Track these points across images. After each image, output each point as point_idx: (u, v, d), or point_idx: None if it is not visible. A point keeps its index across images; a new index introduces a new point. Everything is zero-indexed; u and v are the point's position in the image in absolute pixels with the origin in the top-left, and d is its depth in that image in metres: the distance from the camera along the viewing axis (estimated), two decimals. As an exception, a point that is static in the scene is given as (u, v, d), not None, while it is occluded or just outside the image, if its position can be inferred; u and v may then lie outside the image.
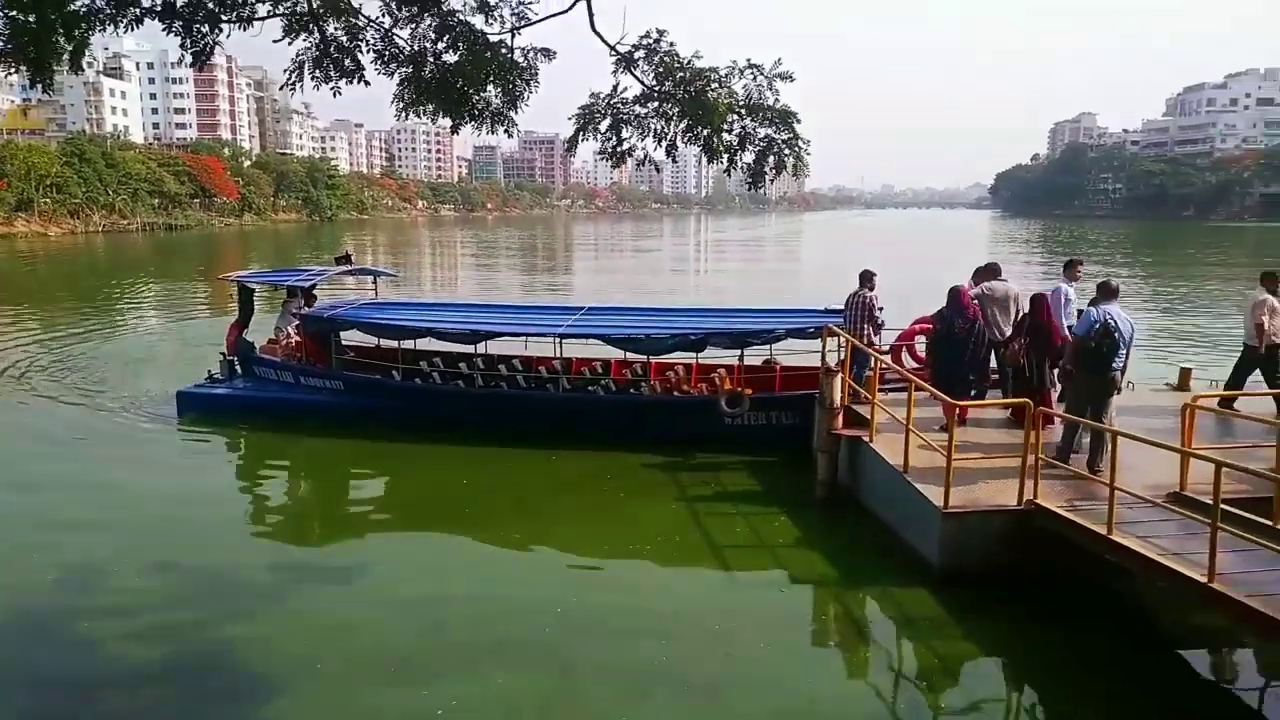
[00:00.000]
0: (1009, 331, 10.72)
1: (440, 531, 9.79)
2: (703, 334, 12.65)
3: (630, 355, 13.72)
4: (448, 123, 7.30)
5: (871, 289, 11.70)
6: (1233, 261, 53.61)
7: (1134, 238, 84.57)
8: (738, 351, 12.90)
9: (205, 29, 5.99)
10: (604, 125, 6.86)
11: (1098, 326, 8.79)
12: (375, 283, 17.29)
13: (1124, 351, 8.85)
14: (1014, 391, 10.19)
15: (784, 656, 7.09)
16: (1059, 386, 10.09)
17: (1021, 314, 10.60)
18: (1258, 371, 10.99)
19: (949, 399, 9.00)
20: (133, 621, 7.49)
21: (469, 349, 14.08)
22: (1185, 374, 12.74)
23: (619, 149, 6.93)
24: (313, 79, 6.95)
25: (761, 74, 7.64)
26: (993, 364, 10.98)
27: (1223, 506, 6.33)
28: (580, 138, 6.78)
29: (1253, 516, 7.24)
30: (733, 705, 6.43)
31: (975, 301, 10.79)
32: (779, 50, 7.48)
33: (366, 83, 7.02)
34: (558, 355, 13.50)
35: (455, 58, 6.81)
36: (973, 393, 10.47)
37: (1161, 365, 16.62)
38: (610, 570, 8.81)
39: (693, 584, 8.47)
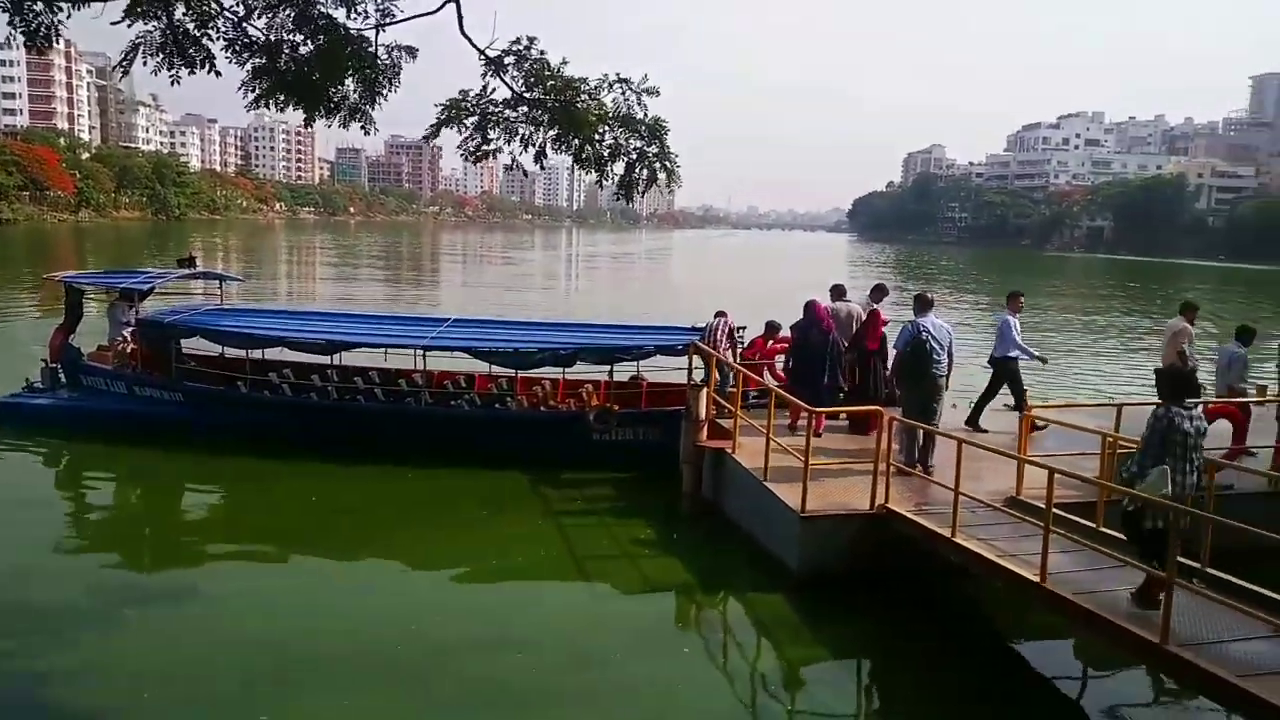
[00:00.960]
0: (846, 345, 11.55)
1: (286, 553, 9.25)
2: (573, 349, 12.55)
3: (496, 369, 13.47)
4: (301, 115, 6.99)
5: (725, 316, 12.19)
6: (1066, 291, 58.04)
7: (979, 264, 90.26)
8: (606, 366, 12.89)
9: (39, 6, 5.51)
10: (470, 121, 6.74)
11: (915, 338, 9.41)
12: (222, 287, 16.32)
13: (943, 357, 9.47)
14: (848, 400, 11.14)
15: (645, 665, 7.08)
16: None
17: (857, 329, 11.36)
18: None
19: (805, 405, 9.35)
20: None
21: (324, 360, 13.45)
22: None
23: (484, 148, 6.81)
24: (155, 65, 6.52)
25: (630, 88, 7.73)
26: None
27: (1054, 511, 6.77)
28: (443, 129, 6.64)
29: (1080, 520, 7.80)
30: (591, 714, 6.37)
31: (830, 314, 11.35)
32: (643, 68, 7.57)
33: (217, 73, 6.64)
34: (420, 368, 13.08)
35: (312, 49, 6.54)
36: (840, 396, 11.18)
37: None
38: (471, 587, 8.59)
39: (556, 598, 8.38)
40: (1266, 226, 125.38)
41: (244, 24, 6.73)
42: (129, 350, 13.54)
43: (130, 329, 13.55)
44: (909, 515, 8.13)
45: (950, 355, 9.72)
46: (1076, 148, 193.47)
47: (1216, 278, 79.51)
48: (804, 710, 6.75)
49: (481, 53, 6.93)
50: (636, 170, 7.43)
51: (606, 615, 7.96)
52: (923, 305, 9.98)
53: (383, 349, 13.28)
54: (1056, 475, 6.92)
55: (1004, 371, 11.72)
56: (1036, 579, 6.59)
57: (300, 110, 6.58)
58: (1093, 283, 65.13)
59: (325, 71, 6.30)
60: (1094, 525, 7.82)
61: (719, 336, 11.86)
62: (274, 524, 10.03)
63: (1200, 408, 6.41)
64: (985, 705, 6.72)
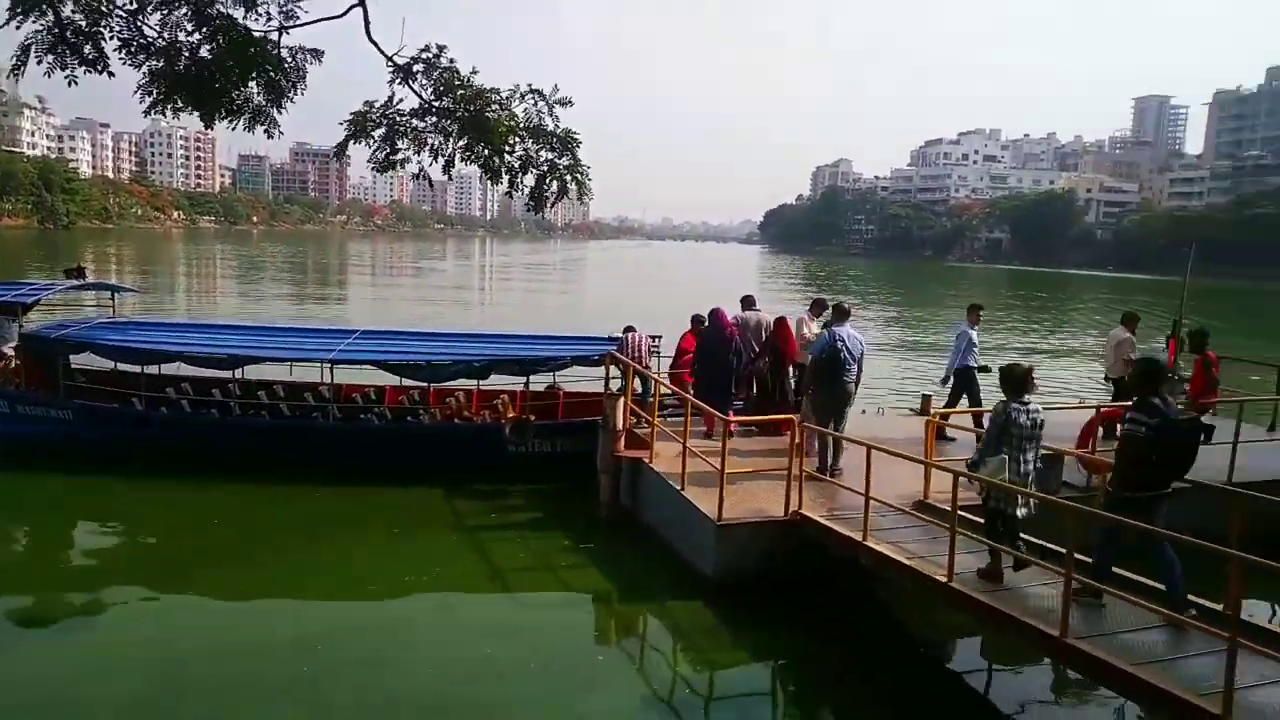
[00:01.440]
0: (757, 351, 11.90)
1: (186, 577, 8.73)
2: (487, 360, 12.40)
3: (407, 381, 13.19)
4: (200, 121, 6.77)
5: (634, 330, 12.37)
6: (961, 298, 60.25)
7: (886, 275, 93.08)
8: (522, 378, 12.77)
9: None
10: (378, 133, 6.61)
11: (831, 346, 9.78)
12: (114, 299, 15.58)
13: (854, 366, 9.87)
14: (757, 405, 11.50)
15: (561, 676, 7.01)
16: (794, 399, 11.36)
17: (767, 337, 11.67)
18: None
19: (718, 414, 9.49)
20: None
21: (225, 375, 12.92)
22: (926, 400, 14.25)
23: (392, 158, 6.70)
24: (48, 65, 6.22)
25: (543, 99, 7.71)
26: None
27: (959, 513, 7.00)
28: (351, 143, 6.49)
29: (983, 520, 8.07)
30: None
31: (734, 323, 11.59)
32: (561, 80, 7.57)
33: (110, 73, 6.36)
34: (327, 382, 12.69)
35: (212, 50, 6.33)
36: (739, 405, 11.52)
37: (909, 397, 18.28)
38: (381, 605, 8.32)
39: (471, 612, 8.23)
40: (1148, 239, 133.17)
41: (138, 22, 6.48)
42: (12, 367, 12.79)
43: (13, 344, 12.80)
44: (822, 521, 8.29)
45: (860, 364, 10.08)
46: (975, 163, 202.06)
47: (1108, 287, 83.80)
48: (722, 716, 6.78)
49: (389, 59, 6.82)
50: (547, 182, 7.41)
51: (522, 627, 7.85)
52: (840, 315, 10.32)
53: (287, 363, 12.85)
54: (960, 478, 7.17)
55: (963, 382, 12.24)
56: (944, 579, 6.79)
57: (199, 115, 6.36)
58: (999, 293, 67.81)
59: (227, 73, 6.09)
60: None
61: (640, 347, 11.95)
62: (173, 547, 9.53)
63: (1035, 403, 6.98)
64: (899, 705, 6.89)
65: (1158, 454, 6.11)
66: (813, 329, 12.13)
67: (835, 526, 8.14)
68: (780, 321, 11.78)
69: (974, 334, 12.39)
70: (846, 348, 9.81)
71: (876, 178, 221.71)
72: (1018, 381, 6.93)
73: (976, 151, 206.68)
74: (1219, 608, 5.96)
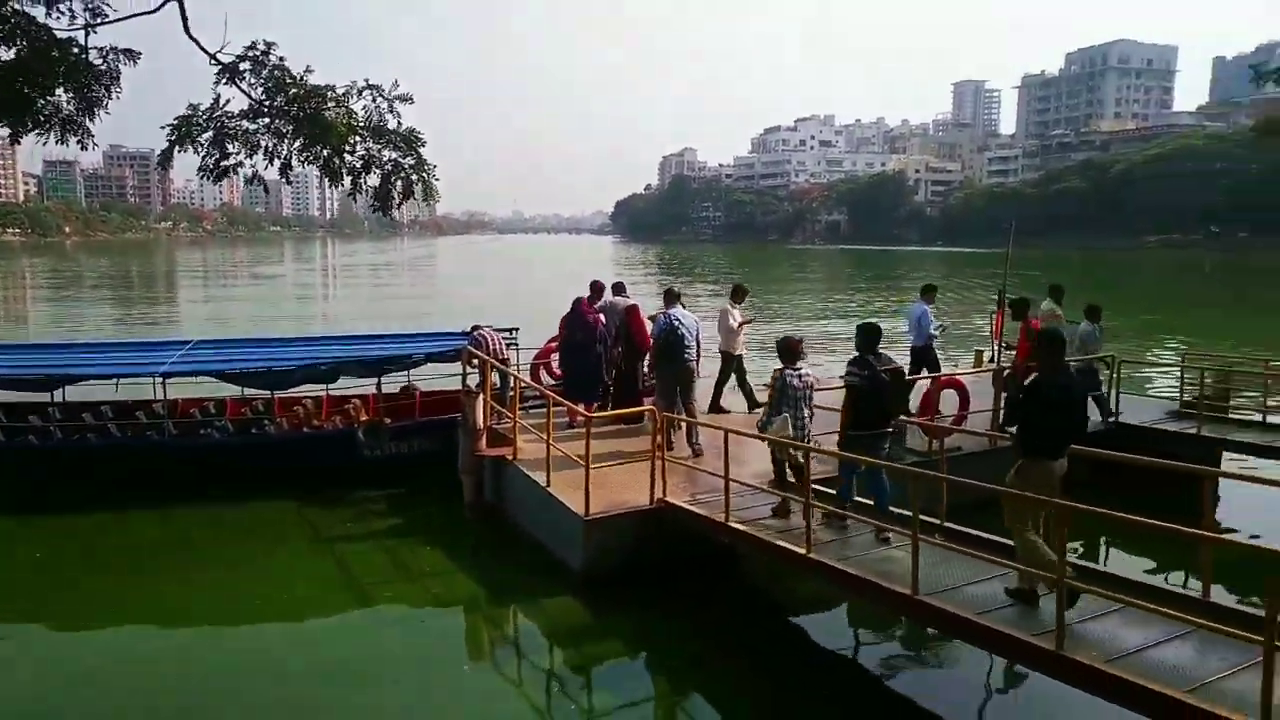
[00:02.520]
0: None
1: (13, 616, 8.08)
2: (334, 363, 11.94)
3: (251, 391, 12.53)
4: (5, 132, 6.19)
5: (481, 327, 12.20)
6: (812, 277, 62.88)
7: (735, 259, 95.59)
8: (374, 380, 12.37)
9: None
10: (205, 138, 6.21)
11: (668, 327, 10.40)
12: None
13: (691, 345, 10.45)
14: (615, 393, 11.75)
15: (430, 682, 6.87)
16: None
17: (618, 326, 11.79)
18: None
19: (581, 409, 9.52)
20: None
21: (44, 397, 11.90)
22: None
23: (222, 164, 6.31)
24: None
25: (382, 95, 7.46)
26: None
27: (813, 486, 7.31)
28: (176, 151, 6.07)
29: (834, 492, 8.47)
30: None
31: (598, 312, 11.63)
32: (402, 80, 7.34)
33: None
34: (160, 397, 11.90)
35: (12, 54, 5.79)
36: (603, 391, 11.66)
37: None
38: (229, 629, 7.87)
39: (332, 626, 7.90)
40: (971, 214, 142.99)
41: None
42: None
43: None
44: (686, 506, 8.47)
45: (698, 343, 10.66)
46: (812, 148, 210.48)
47: (937, 261, 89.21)
48: (599, 708, 6.82)
49: (213, 57, 6.43)
50: (392, 182, 7.19)
51: (388, 637, 7.63)
52: (670, 298, 10.97)
53: (113, 379, 11.93)
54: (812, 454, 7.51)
55: (924, 357, 12.79)
56: (803, 552, 7.09)
57: (5, 127, 5.80)
58: (841, 272, 70.99)
59: (32, 80, 5.58)
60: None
61: (493, 343, 11.80)
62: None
63: (805, 368, 8.29)
64: (770, 678, 7.10)
65: (870, 399, 7.56)
66: (735, 316, 12.38)
67: (699, 510, 8.33)
68: (631, 310, 11.87)
69: (930, 311, 13.02)
70: (684, 327, 10.41)
71: (721, 165, 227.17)
72: (790, 351, 8.26)
73: (813, 137, 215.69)
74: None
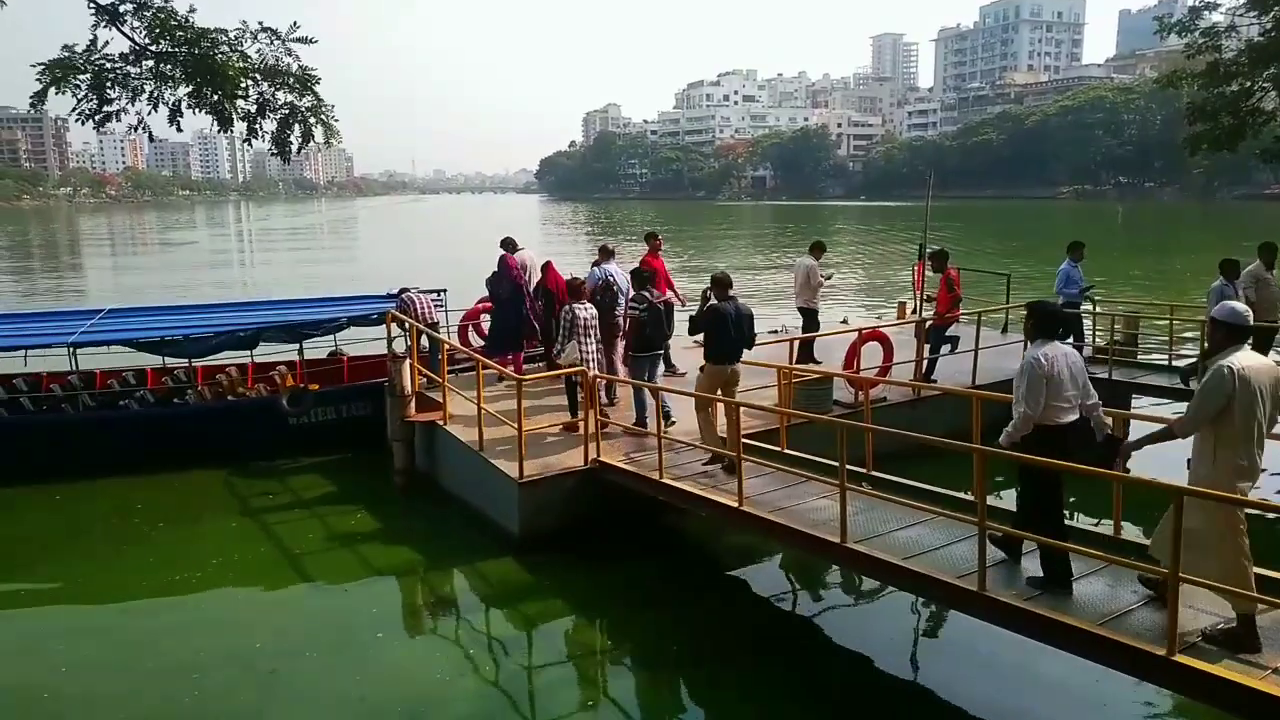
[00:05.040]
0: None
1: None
2: (254, 329, 11.55)
3: (170, 360, 12.06)
4: None
5: (408, 290, 11.94)
6: (735, 232, 63.21)
7: (665, 216, 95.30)
8: (297, 345, 12.03)
9: None
10: (82, 80, 5.83)
11: (599, 282, 10.50)
12: None
13: (623, 300, 10.58)
14: (546, 348, 11.57)
15: (369, 661, 6.80)
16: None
17: (538, 282, 11.68)
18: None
19: (512, 372, 9.44)
20: None
21: None
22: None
23: (104, 110, 5.96)
24: None
25: (278, 37, 7.10)
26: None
27: (744, 441, 7.39)
28: (54, 93, 5.70)
29: (766, 445, 8.59)
30: (307, 714, 6.04)
31: (520, 267, 11.52)
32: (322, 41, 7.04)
33: None
34: (74, 369, 11.37)
35: None
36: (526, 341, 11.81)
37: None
38: (146, 608, 7.66)
39: (263, 603, 7.75)
40: (893, 168, 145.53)
41: None
42: None
43: None
44: (620, 465, 8.49)
45: (628, 298, 10.58)
46: (736, 104, 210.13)
47: (861, 214, 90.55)
48: (542, 665, 6.85)
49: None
50: (290, 126, 6.93)
51: (322, 610, 7.52)
52: (605, 254, 11.14)
53: (20, 351, 11.34)
54: (742, 409, 7.57)
55: (1065, 317, 12.84)
56: (735, 504, 7.18)
57: None
58: (765, 227, 71.43)
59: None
60: (779, 449, 8.66)
61: (422, 306, 11.57)
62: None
63: (587, 308, 9.55)
64: (712, 632, 7.18)
65: (648, 327, 9.56)
66: (820, 273, 12.98)
67: (633, 469, 8.36)
68: (548, 265, 11.74)
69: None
70: (617, 283, 10.53)
71: (645, 121, 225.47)
72: (576, 291, 9.68)
73: (736, 92, 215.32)
74: (970, 498, 6.71)
